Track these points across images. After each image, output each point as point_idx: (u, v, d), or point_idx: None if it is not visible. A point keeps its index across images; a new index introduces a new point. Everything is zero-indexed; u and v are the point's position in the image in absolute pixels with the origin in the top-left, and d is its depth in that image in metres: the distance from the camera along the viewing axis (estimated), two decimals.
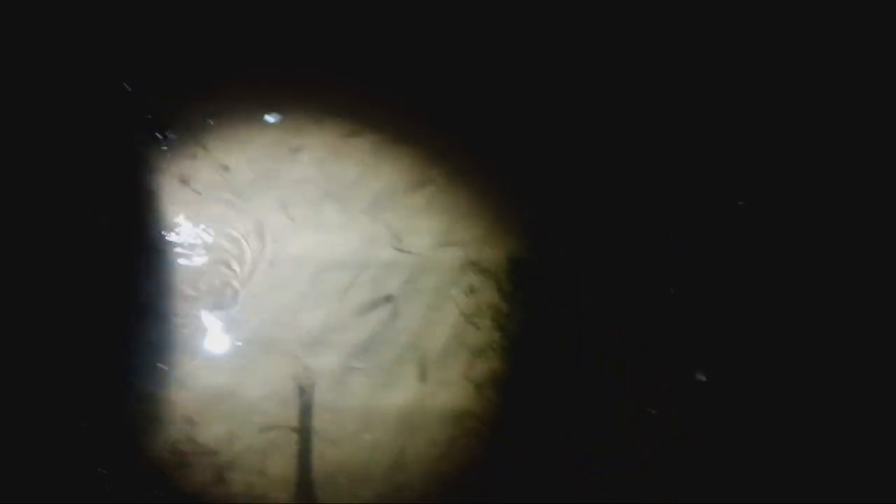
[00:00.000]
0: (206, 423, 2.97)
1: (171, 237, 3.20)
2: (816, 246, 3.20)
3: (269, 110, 3.44)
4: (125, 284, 3.12)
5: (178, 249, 3.19)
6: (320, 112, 3.47)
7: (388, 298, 3.17)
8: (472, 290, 3.19)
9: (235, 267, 3.20)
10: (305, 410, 2.97)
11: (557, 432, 2.90)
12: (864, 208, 3.23)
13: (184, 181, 3.29)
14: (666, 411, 2.92)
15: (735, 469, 2.84)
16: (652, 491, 2.73)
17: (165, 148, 3.32)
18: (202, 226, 3.23)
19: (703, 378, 2.97)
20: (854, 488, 2.72)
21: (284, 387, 3.04)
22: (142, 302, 3.09)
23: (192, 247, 3.20)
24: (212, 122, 3.39)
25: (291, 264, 3.22)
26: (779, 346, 3.05)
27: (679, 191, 3.31)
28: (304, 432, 2.96)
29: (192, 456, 2.92)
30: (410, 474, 2.94)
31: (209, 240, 3.22)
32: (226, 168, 3.32)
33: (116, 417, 2.94)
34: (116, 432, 2.93)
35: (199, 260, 3.19)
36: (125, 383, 2.99)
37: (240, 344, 3.09)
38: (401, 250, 3.25)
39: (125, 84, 3.35)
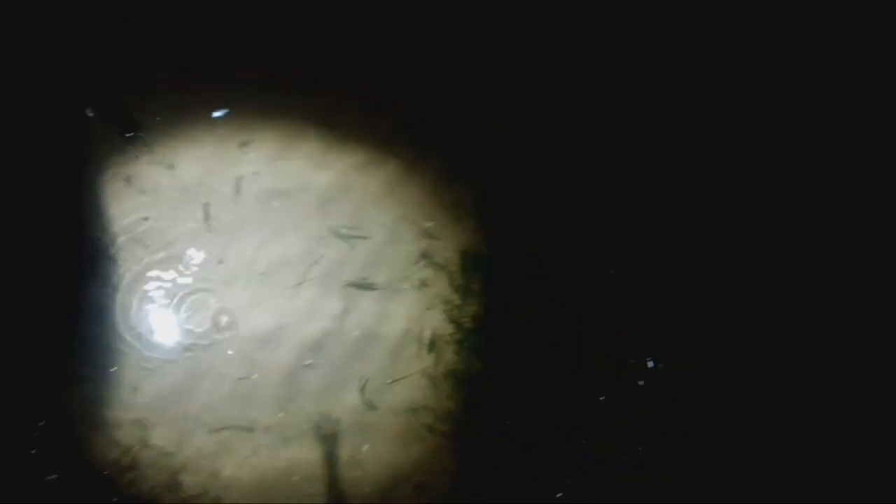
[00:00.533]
0: (156, 425, 2.94)
1: (116, 237, 3.14)
2: (817, 246, 3.19)
3: (217, 106, 3.38)
4: (70, 285, 3.07)
5: (122, 249, 3.13)
6: (269, 107, 3.41)
7: (340, 294, 3.14)
8: (424, 285, 3.16)
9: (182, 268, 3.15)
10: None
11: (557, 432, 2.88)
12: (865, 208, 3.23)
13: (128, 181, 3.23)
14: (666, 411, 2.91)
15: (735, 469, 2.82)
16: (652, 491, 2.71)
17: (109, 146, 3.26)
18: (147, 226, 3.18)
19: (655, 364, 2.96)
20: (854, 488, 2.70)
21: (236, 387, 3.01)
22: (86, 302, 3.04)
23: (137, 247, 3.15)
24: (157, 119, 3.32)
25: (240, 262, 3.18)
26: (779, 346, 3.04)
27: (679, 191, 3.30)
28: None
29: (144, 459, 2.89)
30: (366, 472, 2.92)
31: (155, 240, 3.16)
32: (171, 167, 3.26)
33: (65, 422, 2.90)
34: (65, 437, 2.89)
35: (146, 260, 3.14)
36: (73, 386, 2.94)
37: (190, 344, 3.05)
38: (352, 245, 3.21)
39: (69, 79, 3.28)
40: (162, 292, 3.11)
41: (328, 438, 2.96)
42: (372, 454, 2.95)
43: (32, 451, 2.83)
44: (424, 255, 3.21)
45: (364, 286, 3.16)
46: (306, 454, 2.94)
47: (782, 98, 3.43)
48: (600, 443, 2.87)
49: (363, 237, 3.23)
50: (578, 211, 3.29)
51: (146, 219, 3.18)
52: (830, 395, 2.94)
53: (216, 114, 3.36)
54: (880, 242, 3.16)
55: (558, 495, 2.72)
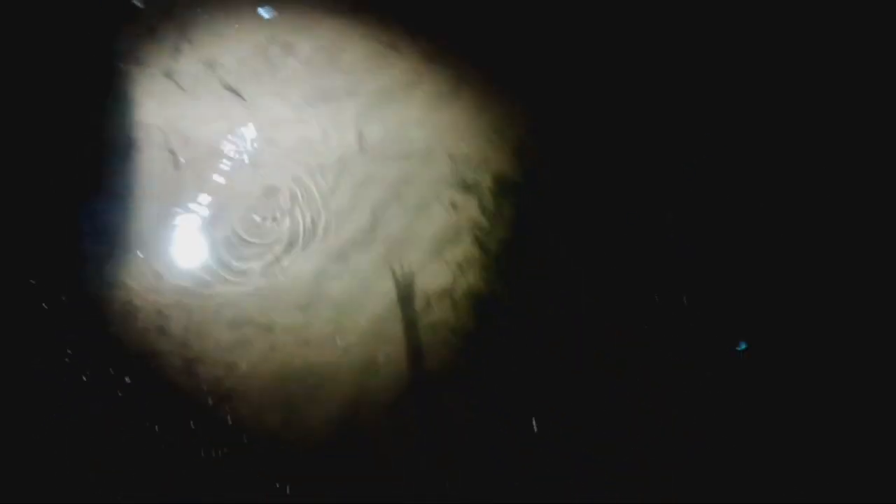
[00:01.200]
0: (176, 316, 2.95)
1: (152, 130, 3.13)
2: (816, 245, 3.18)
3: (264, 4, 3.36)
4: (104, 176, 3.07)
5: (157, 142, 3.13)
6: (316, 10, 3.39)
7: (370, 206, 3.15)
8: (454, 207, 3.18)
9: (218, 163, 3.15)
10: None
11: (557, 432, 2.89)
12: (865, 206, 3.22)
13: (167, 75, 3.21)
14: (665, 411, 2.92)
15: (735, 469, 2.81)
16: (652, 491, 2.73)
17: (149, 40, 3.24)
18: (184, 120, 3.17)
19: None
20: (854, 488, 2.69)
21: (259, 284, 3.02)
22: (119, 193, 3.04)
23: (173, 140, 3.14)
24: (201, 12, 3.30)
25: (273, 164, 3.17)
26: (778, 347, 3.02)
27: (679, 192, 3.28)
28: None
29: (162, 346, 2.90)
30: (381, 380, 2.95)
31: (192, 133, 3.16)
32: (212, 65, 3.25)
33: (87, 302, 2.91)
34: (86, 317, 2.90)
35: (182, 154, 3.13)
36: (97, 266, 2.95)
37: (216, 239, 3.06)
38: (385, 160, 3.22)
39: None
40: (194, 186, 3.11)
41: (346, 346, 2.98)
42: (388, 363, 2.97)
43: (53, 327, 2.84)
44: (456, 179, 3.21)
45: (393, 201, 3.17)
46: (324, 357, 2.96)
47: (780, 96, 3.40)
48: (600, 443, 2.86)
49: (399, 156, 3.23)
50: (578, 211, 3.27)
51: (181, 112, 3.17)
52: (831, 395, 2.91)
53: (263, 13, 3.34)
54: (880, 241, 3.18)
55: (558, 495, 2.72)
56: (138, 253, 2.99)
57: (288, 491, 2.72)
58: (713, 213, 3.24)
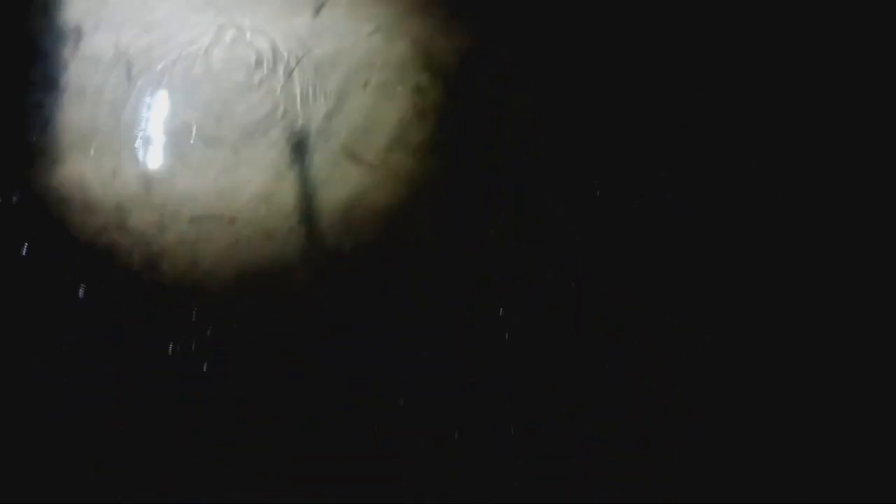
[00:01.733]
0: (137, 210, 2.86)
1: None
2: (813, 207, 3.06)
3: None
4: (51, 67, 2.95)
5: (116, 26, 2.99)
6: None
7: (330, 92, 3.01)
8: (419, 90, 3.04)
9: (174, 52, 3.01)
10: None
11: (559, 412, 2.76)
12: (865, 202, 3.07)
13: None
14: (666, 385, 2.79)
15: (735, 469, 2.69)
16: (652, 491, 2.64)
17: None
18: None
19: None
20: (854, 488, 2.60)
21: (218, 178, 2.92)
22: (75, 80, 2.93)
23: (136, 26, 3.00)
24: None
25: (230, 55, 3.03)
26: (783, 338, 2.88)
27: (677, 149, 3.16)
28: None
29: (122, 243, 2.83)
30: (347, 267, 2.87)
31: (154, 16, 3.01)
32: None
33: (42, 200, 2.83)
34: (42, 216, 2.82)
35: (140, 40, 2.99)
36: (51, 166, 2.86)
37: (174, 132, 2.95)
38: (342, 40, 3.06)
39: None
40: (151, 74, 2.98)
41: (309, 236, 2.89)
42: (353, 254, 2.89)
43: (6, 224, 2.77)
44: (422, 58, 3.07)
45: (354, 87, 3.03)
46: (287, 249, 2.88)
47: (775, 57, 3.28)
48: (600, 441, 2.73)
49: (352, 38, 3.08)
50: (576, 167, 3.13)
51: None
52: (833, 393, 2.77)
53: None
54: (882, 238, 3.02)
55: (558, 495, 2.65)
56: (91, 150, 2.89)
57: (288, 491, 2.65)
58: (708, 173, 3.14)
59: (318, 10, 3.08)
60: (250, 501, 2.60)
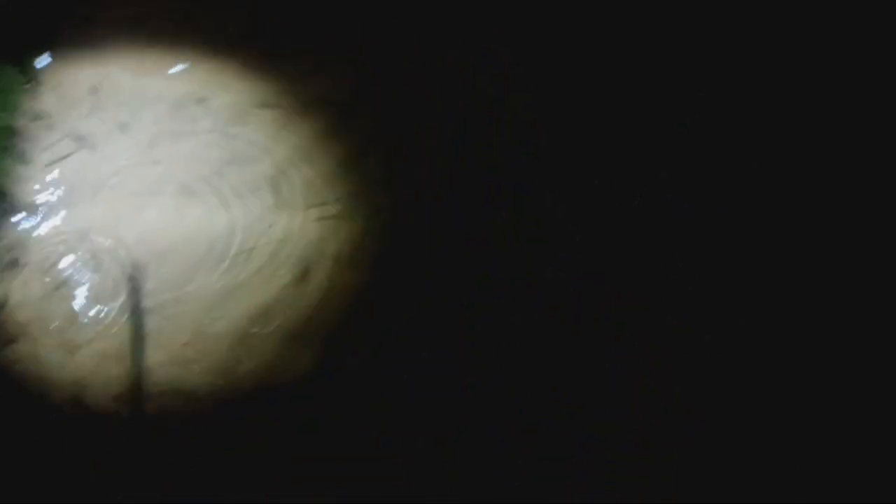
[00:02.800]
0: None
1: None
2: (812, 206, 3.07)
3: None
4: None
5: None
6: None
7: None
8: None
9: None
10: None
11: (560, 411, 2.73)
12: (864, 202, 3.08)
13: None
14: (666, 385, 2.77)
15: (735, 469, 2.64)
16: (652, 491, 2.62)
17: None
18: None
19: None
20: (854, 488, 2.54)
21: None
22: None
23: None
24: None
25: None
26: (783, 338, 2.86)
27: (677, 149, 3.18)
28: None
29: None
30: None
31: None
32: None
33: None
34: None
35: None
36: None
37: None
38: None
39: None
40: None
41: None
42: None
43: None
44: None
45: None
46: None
47: (773, 56, 3.31)
48: (600, 441, 2.70)
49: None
50: (578, 168, 3.15)
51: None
52: (834, 393, 2.73)
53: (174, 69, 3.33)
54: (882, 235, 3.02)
55: (558, 495, 2.64)
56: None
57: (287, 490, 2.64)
58: (708, 173, 3.16)
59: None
60: (250, 501, 2.60)
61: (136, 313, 2.79)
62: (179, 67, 3.35)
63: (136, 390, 2.68)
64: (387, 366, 2.77)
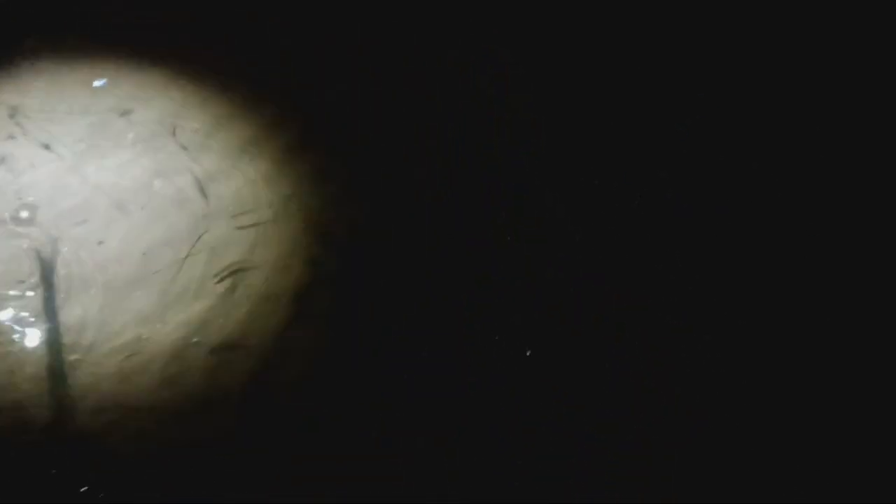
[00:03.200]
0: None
1: None
2: (813, 207, 3.07)
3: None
4: None
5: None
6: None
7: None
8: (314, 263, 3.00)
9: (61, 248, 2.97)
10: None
11: (559, 411, 2.72)
12: (864, 202, 3.09)
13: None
14: (668, 388, 2.76)
15: (735, 469, 2.64)
16: (652, 491, 2.61)
17: None
18: (15, 209, 3.02)
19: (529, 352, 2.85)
20: (854, 488, 2.55)
21: None
22: None
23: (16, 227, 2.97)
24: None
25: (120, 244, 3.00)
26: (783, 337, 2.86)
27: (677, 149, 3.18)
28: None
29: None
30: None
31: (25, 223, 2.98)
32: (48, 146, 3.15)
33: None
34: None
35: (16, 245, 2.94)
36: None
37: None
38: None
39: None
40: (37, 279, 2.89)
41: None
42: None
43: None
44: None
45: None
46: None
47: (774, 55, 3.32)
48: (600, 441, 2.69)
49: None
50: (577, 168, 3.15)
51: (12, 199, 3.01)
52: (835, 392, 2.74)
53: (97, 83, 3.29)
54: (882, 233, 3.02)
55: (558, 495, 2.64)
56: None
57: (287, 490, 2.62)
58: (708, 173, 3.17)
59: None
60: (250, 501, 2.59)
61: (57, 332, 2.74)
62: (102, 82, 3.32)
63: (71, 408, 2.61)
64: (387, 366, 2.77)
